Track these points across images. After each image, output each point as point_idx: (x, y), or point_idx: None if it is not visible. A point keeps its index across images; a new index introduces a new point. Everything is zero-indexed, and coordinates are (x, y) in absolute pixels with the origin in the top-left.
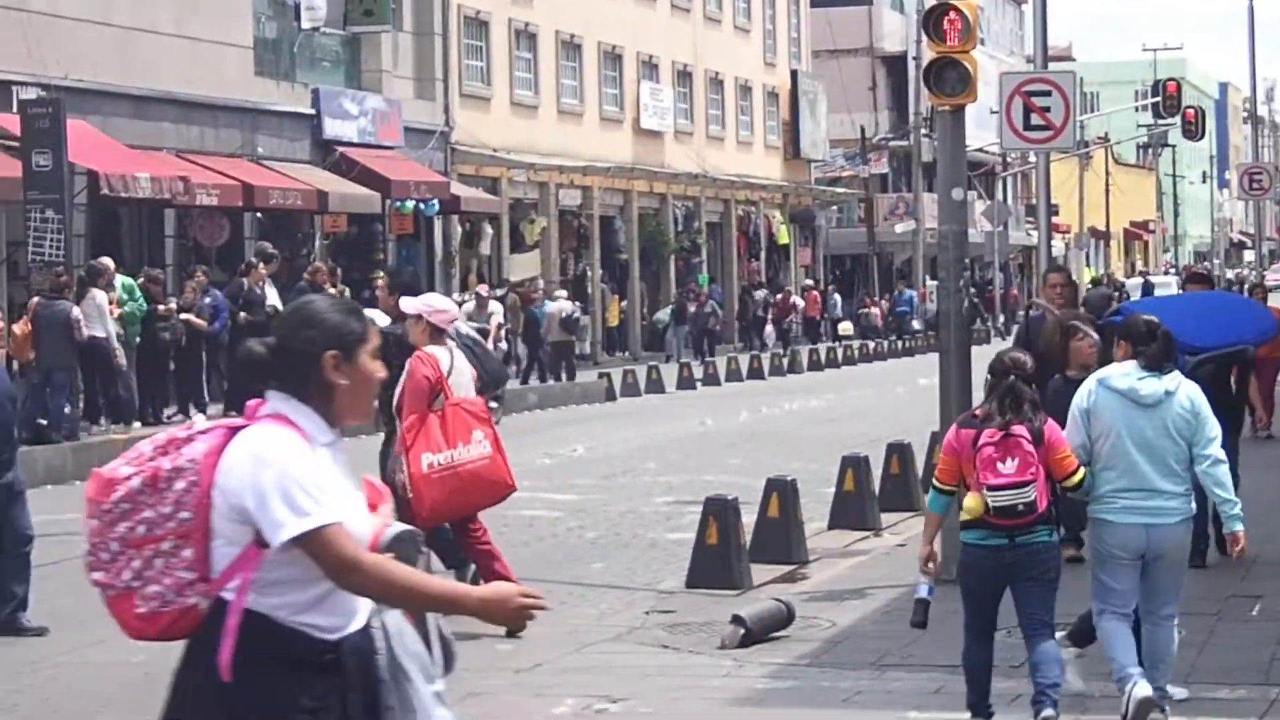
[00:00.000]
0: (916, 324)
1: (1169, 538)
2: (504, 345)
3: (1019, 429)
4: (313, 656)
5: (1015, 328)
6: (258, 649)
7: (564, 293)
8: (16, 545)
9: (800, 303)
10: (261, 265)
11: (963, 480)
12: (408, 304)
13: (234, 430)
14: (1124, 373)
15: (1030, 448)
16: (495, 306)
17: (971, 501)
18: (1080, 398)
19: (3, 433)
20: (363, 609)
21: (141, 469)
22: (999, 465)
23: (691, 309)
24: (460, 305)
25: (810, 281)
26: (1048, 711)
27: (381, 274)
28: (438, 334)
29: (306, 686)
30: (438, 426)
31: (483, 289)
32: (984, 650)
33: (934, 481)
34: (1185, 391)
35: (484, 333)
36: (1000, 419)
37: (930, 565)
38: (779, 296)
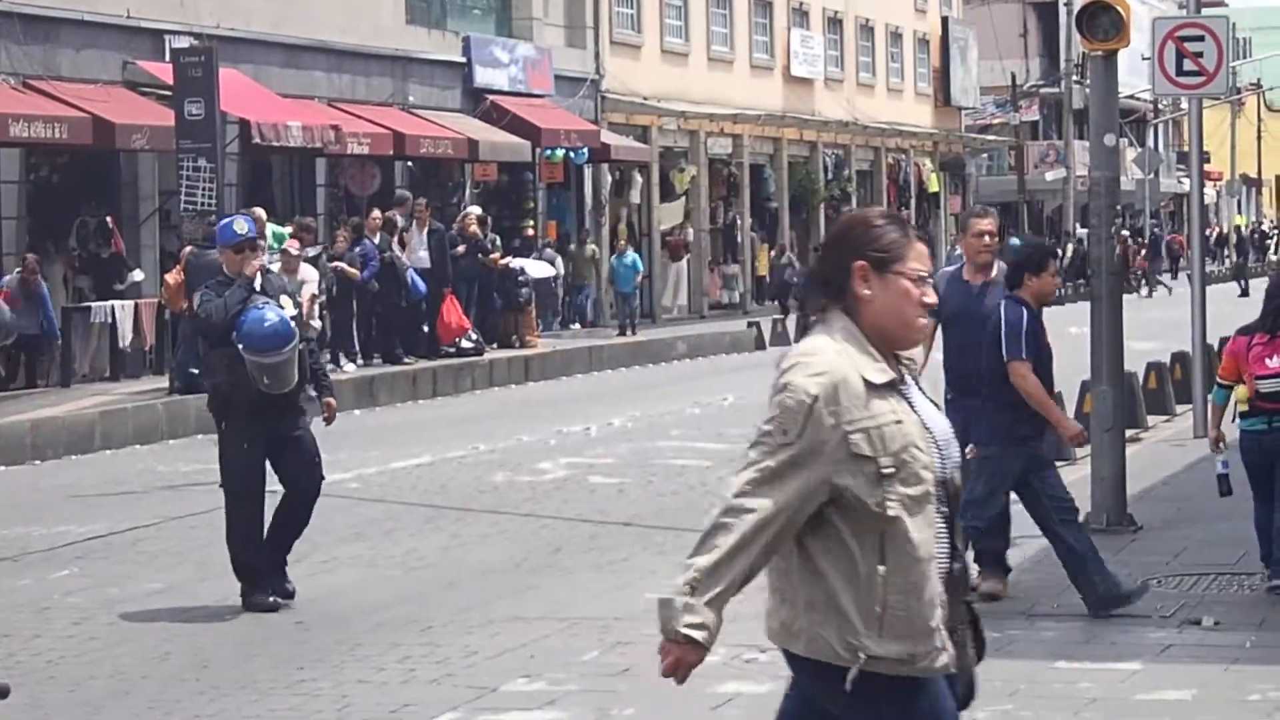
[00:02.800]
0: None
1: None
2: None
3: None
4: None
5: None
6: None
7: None
8: None
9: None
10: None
11: (1239, 378)
12: None
13: None
14: None
15: None
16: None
17: (1241, 391)
18: None
19: None
20: None
21: None
22: (1266, 360)
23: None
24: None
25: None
26: (1275, 582)
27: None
28: None
29: None
30: None
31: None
32: (1267, 511)
33: (1217, 378)
34: None
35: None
36: (1265, 325)
37: (1220, 445)
38: None
